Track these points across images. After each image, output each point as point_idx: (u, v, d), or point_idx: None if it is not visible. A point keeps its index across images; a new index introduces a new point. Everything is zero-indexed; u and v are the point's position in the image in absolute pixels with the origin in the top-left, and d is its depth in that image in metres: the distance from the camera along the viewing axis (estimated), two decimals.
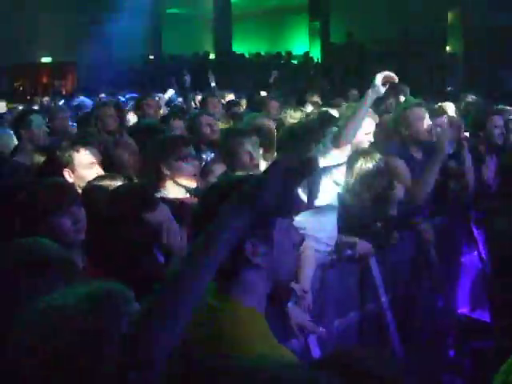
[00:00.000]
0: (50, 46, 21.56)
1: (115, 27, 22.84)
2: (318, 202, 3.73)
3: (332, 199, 3.91)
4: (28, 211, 2.84)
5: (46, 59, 22.52)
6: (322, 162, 3.74)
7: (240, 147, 4.11)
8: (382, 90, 3.85)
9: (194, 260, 1.50)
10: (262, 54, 19.40)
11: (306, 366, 1.25)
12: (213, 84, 8.94)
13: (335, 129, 3.92)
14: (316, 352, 3.62)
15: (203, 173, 4.32)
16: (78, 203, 2.86)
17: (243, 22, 22.68)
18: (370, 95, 3.82)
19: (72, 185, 3.20)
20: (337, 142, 3.73)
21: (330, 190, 3.86)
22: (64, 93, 18.25)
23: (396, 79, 3.89)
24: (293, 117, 6.03)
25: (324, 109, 5.86)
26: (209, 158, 5.05)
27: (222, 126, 6.34)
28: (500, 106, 6.54)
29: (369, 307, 4.25)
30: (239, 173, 3.77)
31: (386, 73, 3.83)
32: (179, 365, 1.79)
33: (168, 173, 3.68)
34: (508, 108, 6.69)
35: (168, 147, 3.78)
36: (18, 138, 5.31)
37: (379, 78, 3.80)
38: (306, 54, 19.08)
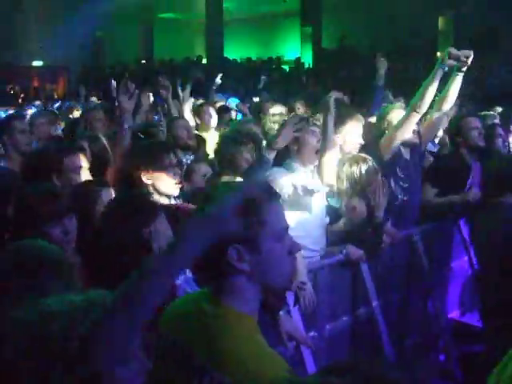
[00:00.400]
0: (42, 50, 21.53)
1: (107, 31, 22.90)
2: (302, 209, 3.85)
3: (316, 206, 4.00)
4: (19, 217, 2.84)
5: (37, 63, 22.49)
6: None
7: (239, 155, 4.12)
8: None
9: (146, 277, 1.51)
10: (253, 59, 19.41)
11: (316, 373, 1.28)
12: (214, 87, 8.89)
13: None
14: (308, 357, 3.64)
15: (186, 175, 4.33)
16: (69, 215, 2.84)
17: (235, 27, 22.73)
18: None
19: (65, 194, 3.16)
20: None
21: (314, 197, 3.96)
22: (56, 96, 18.23)
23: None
24: (272, 120, 6.11)
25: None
26: (189, 161, 5.03)
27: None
28: (483, 112, 6.57)
29: (360, 312, 4.28)
30: (238, 179, 3.81)
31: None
32: (173, 368, 1.82)
33: (149, 181, 3.57)
34: (491, 113, 6.73)
35: (149, 154, 3.65)
36: (3, 144, 5.23)
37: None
38: (298, 59, 19.12)
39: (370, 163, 4.21)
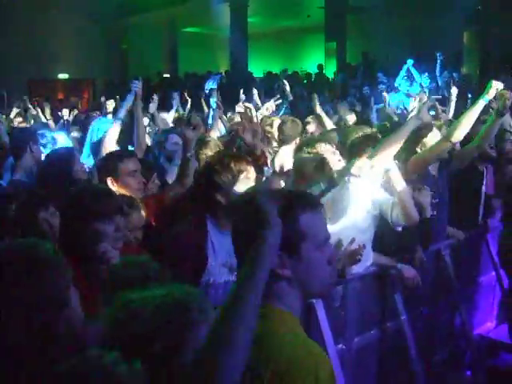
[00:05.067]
0: (68, 63, 21.82)
1: (132, 44, 23.15)
2: (339, 220, 3.84)
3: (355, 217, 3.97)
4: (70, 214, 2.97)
5: (62, 75, 22.77)
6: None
7: None
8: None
9: (240, 297, 1.61)
10: (275, 72, 19.39)
11: None
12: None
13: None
14: (336, 369, 3.64)
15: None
16: (122, 213, 2.99)
17: (259, 41, 22.85)
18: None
19: (117, 194, 3.29)
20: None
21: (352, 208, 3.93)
22: (80, 108, 18.38)
23: None
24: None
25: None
26: None
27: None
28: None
29: (389, 325, 4.27)
30: None
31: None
32: None
33: (115, 187, 3.79)
34: None
35: (112, 162, 3.96)
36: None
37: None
38: (320, 65, 19.07)
39: None
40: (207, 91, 11.90)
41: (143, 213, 3.51)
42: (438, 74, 13.68)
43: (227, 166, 3.24)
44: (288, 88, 9.47)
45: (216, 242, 3.24)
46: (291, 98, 9.65)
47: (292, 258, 1.83)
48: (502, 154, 5.51)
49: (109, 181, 3.88)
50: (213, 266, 3.19)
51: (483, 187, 5.38)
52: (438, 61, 13.59)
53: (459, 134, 4.64)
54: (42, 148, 5.30)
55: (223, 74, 18.37)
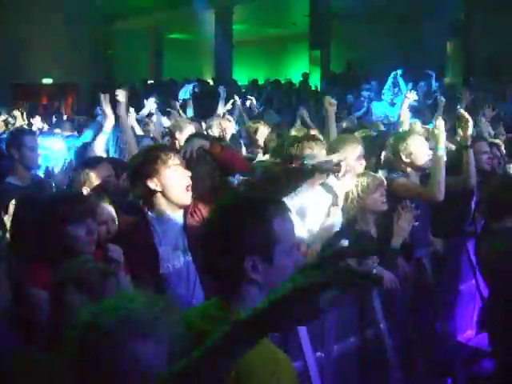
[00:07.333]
0: (52, 67, 21.71)
1: (117, 50, 23.10)
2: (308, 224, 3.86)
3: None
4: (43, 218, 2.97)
5: (46, 80, 22.64)
6: None
7: None
8: None
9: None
10: (260, 80, 19.37)
11: None
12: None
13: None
14: (315, 377, 3.62)
15: None
16: (92, 216, 2.99)
17: (244, 49, 22.88)
18: None
19: (88, 198, 3.34)
20: None
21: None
22: (64, 113, 18.31)
23: None
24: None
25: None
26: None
27: None
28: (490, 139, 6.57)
29: (368, 333, 4.25)
30: None
31: None
32: None
33: None
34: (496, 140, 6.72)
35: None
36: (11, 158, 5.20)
37: None
38: (305, 74, 19.10)
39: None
40: (181, 101, 11.92)
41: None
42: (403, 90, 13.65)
43: (152, 155, 3.36)
44: (255, 102, 9.52)
45: (159, 230, 3.34)
46: (256, 111, 9.68)
47: (264, 262, 1.84)
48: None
49: (84, 190, 3.93)
50: (165, 253, 3.27)
51: (472, 203, 5.38)
52: (391, 79, 13.49)
53: (440, 193, 4.61)
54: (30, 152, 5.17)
55: (197, 83, 18.17)
